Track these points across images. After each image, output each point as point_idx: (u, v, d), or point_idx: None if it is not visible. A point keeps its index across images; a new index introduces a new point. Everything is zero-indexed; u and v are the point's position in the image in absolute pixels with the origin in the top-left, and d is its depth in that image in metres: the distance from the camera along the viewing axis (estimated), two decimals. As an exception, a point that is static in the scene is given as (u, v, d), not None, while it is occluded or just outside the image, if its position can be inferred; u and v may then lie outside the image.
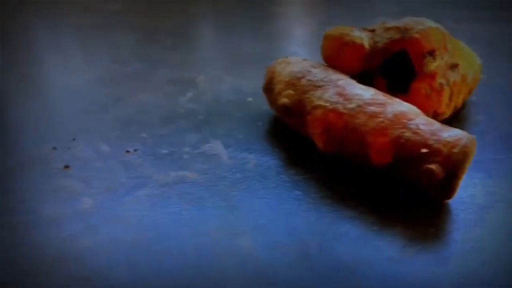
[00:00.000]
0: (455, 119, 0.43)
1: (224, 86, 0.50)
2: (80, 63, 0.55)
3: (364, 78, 0.40)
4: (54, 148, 0.41)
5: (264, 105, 0.46)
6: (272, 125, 0.43)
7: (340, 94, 0.35)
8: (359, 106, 0.34)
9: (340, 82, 0.36)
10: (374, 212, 0.34)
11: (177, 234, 0.32)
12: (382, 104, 0.34)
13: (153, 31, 0.64)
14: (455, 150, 0.31)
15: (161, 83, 0.51)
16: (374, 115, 0.34)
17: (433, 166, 0.32)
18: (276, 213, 0.34)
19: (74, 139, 0.42)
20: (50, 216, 0.34)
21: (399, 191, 0.35)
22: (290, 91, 0.38)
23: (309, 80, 0.38)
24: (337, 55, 0.39)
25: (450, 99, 0.40)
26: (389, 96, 0.36)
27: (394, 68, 0.40)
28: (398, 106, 0.34)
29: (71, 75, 0.52)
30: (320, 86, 0.37)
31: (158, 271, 0.30)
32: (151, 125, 0.44)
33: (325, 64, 0.41)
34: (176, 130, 0.43)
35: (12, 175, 0.38)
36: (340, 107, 0.35)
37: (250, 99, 0.47)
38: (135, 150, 0.40)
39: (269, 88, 0.42)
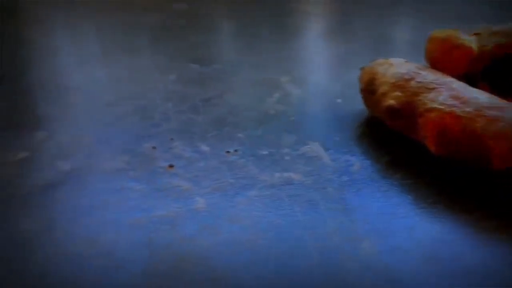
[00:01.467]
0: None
1: (309, 87, 0.50)
2: (161, 63, 0.56)
3: (466, 82, 0.40)
4: (154, 148, 0.41)
5: (355, 106, 0.45)
6: (369, 126, 0.43)
7: (455, 97, 0.35)
8: (477, 109, 0.34)
9: (454, 85, 0.36)
10: (493, 217, 0.33)
11: (297, 236, 0.32)
12: (501, 108, 0.34)
13: (222, 32, 0.64)
14: None
15: (245, 84, 0.51)
16: (495, 119, 0.33)
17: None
18: (392, 217, 0.34)
19: (171, 139, 0.42)
20: (164, 216, 0.34)
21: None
22: (398, 93, 0.38)
23: (420, 82, 0.37)
24: (444, 58, 0.39)
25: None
26: (504, 100, 0.35)
27: (498, 73, 0.40)
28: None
29: (156, 76, 0.53)
30: (432, 88, 0.36)
31: (281, 273, 0.30)
32: (245, 126, 0.44)
33: (428, 66, 0.41)
34: (271, 131, 0.43)
35: (122, 174, 0.38)
36: (457, 110, 0.35)
37: (339, 100, 0.47)
38: (235, 150, 0.40)
39: (369, 90, 0.41)
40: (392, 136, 0.41)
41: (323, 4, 0.74)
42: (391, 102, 0.39)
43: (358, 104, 0.45)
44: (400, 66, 0.40)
